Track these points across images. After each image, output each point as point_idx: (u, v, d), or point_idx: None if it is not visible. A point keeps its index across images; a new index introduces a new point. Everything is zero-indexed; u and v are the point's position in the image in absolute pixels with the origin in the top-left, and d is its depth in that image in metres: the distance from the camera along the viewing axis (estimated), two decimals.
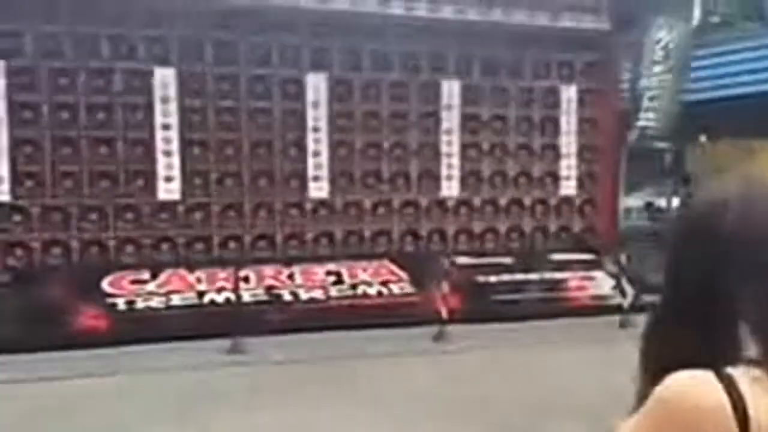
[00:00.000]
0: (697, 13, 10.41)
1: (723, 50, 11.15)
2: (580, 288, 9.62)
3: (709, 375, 0.85)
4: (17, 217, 8.42)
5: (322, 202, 9.51)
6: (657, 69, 9.96)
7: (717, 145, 11.88)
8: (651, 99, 10.00)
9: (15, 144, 8.37)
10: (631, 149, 10.71)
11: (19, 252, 8.41)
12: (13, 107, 8.37)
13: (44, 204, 8.48)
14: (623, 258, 9.43)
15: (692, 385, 0.85)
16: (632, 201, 12.75)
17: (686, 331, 0.91)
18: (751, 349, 0.87)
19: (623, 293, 8.99)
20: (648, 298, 9.19)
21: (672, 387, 0.86)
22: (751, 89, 10.60)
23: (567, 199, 10.54)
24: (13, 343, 7.07)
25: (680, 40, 9.96)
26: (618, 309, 8.71)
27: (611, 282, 9.53)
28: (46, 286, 7.92)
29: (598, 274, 9.76)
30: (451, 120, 9.99)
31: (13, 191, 8.37)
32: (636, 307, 8.72)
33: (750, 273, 0.89)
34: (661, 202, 12.22)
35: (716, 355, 0.87)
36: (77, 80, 8.59)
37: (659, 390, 0.87)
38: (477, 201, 10.16)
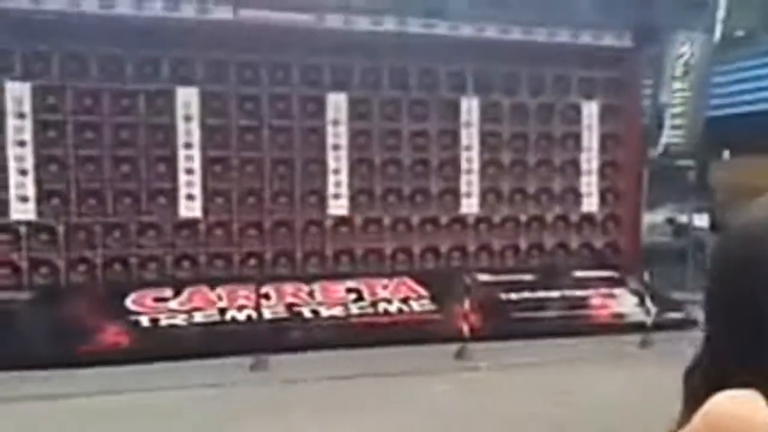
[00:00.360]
0: (719, 27, 10.30)
1: (746, 65, 11.05)
2: (603, 305, 9.51)
3: (753, 393, 0.84)
4: (43, 236, 8.56)
5: (342, 219, 9.57)
6: (678, 85, 9.90)
7: (741, 160, 11.75)
8: (672, 115, 9.93)
9: (40, 163, 8.53)
10: (654, 165, 10.62)
11: (44, 270, 8.54)
12: (38, 127, 8.53)
13: (69, 222, 8.62)
14: (646, 275, 9.32)
15: (736, 403, 0.80)
16: (655, 217, 12.62)
17: (739, 360, 0.93)
18: None
19: (647, 311, 8.87)
20: (671, 316, 9.10)
21: (715, 405, 0.84)
22: None
23: (589, 216, 10.49)
24: (37, 360, 7.15)
25: (701, 56, 9.90)
26: (641, 327, 8.61)
27: (634, 299, 9.42)
28: (71, 303, 8.01)
29: (621, 291, 9.66)
30: (470, 137, 10.01)
31: (38, 210, 8.51)
32: (659, 325, 8.63)
33: None
34: (684, 219, 12.08)
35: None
36: (101, 100, 8.73)
37: (702, 411, 0.86)
38: (497, 218, 10.15)
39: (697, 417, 0.81)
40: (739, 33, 12.08)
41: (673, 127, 9.98)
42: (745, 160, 11.03)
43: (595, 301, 9.52)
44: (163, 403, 6.48)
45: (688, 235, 11.32)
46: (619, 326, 9.07)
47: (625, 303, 9.50)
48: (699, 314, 8.70)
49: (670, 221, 12.89)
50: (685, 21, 10.02)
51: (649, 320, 8.68)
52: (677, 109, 9.94)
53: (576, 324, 9.06)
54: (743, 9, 11.81)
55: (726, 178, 11.55)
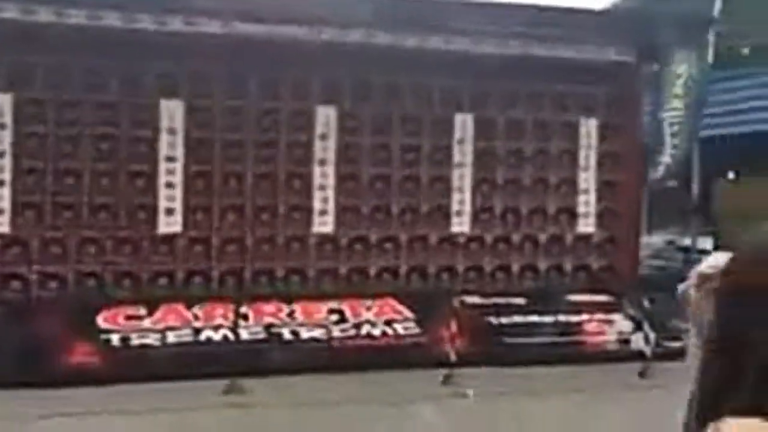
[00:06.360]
0: (719, 45, 9.97)
1: (751, 83, 10.74)
2: (598, 332, 9.11)
3: (759, 422, 0.84)
4: (15, 249, 8.33)
5: (326, 237, 9.27)
6: (677, 104, 9.58)
7: (745, 181, 11.39)
8: (672, 135, 9.60)
9: (18, 175, 8.33)
10: (655, 186, 10.27)
11: (15, 284, 8.30)
12: (19, 138, 8.35)
13: (43, 235, 8.39)
14: (645, 301, 8.94)
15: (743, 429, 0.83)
16: (656, 240, 12.27)
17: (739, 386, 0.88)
18: None
19: (645, 339, 8.49)
20: (672, 344, 8.71)
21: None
22: None
23: (585, 237, 10.10)
24: (4, 378, 6.88)
25: (700, 74, 9.59)
26: (639, 356, 8.23)
27: (631, 326, 9.03)
28: (41, 319, 7.78)
29: (618, 317, 9.26)
30: (463, 154, 9.71)
31: (13, 222, 8.30)
32: (659, 354, 8.24)
33: None
34: (686, 242, 11.70)
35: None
36: (83, 112, 8.54)
37: None
38: (489, 237, 9.78)
39: None
40: (745, 51, 11.78)
41: (673, 146, 9.64)
42: (750, 181, 10.67)
43: (590, 326, 9.13)
44: (130, 428, 6.31)
45: (691, 258, 10.92)
46: (615, 354, 8.68)
47: (622, 330, 9.10)
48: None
49: (671, 244, 12.50)
50: (687, 38, 9.68)
51: (648, 349, 8.30)
52: (676, 129, 9.60)
53: (569, 351, 8.69)
54: (749, 26, 11.51)
55: (729, 199, 11.17)
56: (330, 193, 9.26)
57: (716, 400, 0.88)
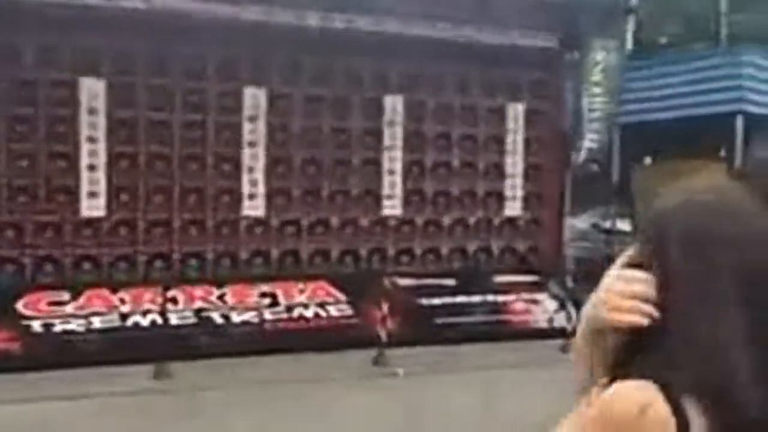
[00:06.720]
0: (637, 35, 10.37)
1: (667, 71, 11.18)
2: (524, 311, 9.42)
3: (652, 387, 0.86)
4: None
5: (257, 220, 9.13)
6: (596, 90, 9.93)
7: (659, 165, 11.89)
8: (592, 120, 9.95)
9: None
10: (577, 170, 10.62)
11: None
12: None
13: None
14: (569, 280, 9.28)
15: (637, 396, 0.86)
16: (579, 222, 12.69)
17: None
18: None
19: (568, 317, 8.81)
20: None
21: (617, 396, 0.87)
22: (700, 111, 10.60)
23: (512, 220, 10.35)
24: None
25: (616, 62, 9.97)
26: (561, 332, 8.54)
27: (556, 305, 9.36)
28: None
29: (542, 296, 9.57)
30: (393, 137, 9.77)
31: None
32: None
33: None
34: (608, 224, 12.15)
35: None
36: None
37: (604, 398, 0.88)
38: (420, 220, 9.90)
39: (598, 403, 0.89)
40: (662, 40, 12.27)
41: (594, 131, 9.99)
42: (663, 166, 11.16)
43: (517, 306, 9.41)
44: (53, 414, 6.08)
45: (613, 240, 11.36)
46: (540, 332, 8.98)
47: (546, 308, 9.42)
48: None
49: (595, 226, 12.96)
50: (606, 26, 10.01)
51: (569, 326, 8.61)
52: (596, 115, 9.96)
53: (497, 329, 8.94)
54: (666, 16, 12.00)
55: (645, 183, 11.66)
56: (260, 176, 9.14)
57: (619, 363, 0.93)
